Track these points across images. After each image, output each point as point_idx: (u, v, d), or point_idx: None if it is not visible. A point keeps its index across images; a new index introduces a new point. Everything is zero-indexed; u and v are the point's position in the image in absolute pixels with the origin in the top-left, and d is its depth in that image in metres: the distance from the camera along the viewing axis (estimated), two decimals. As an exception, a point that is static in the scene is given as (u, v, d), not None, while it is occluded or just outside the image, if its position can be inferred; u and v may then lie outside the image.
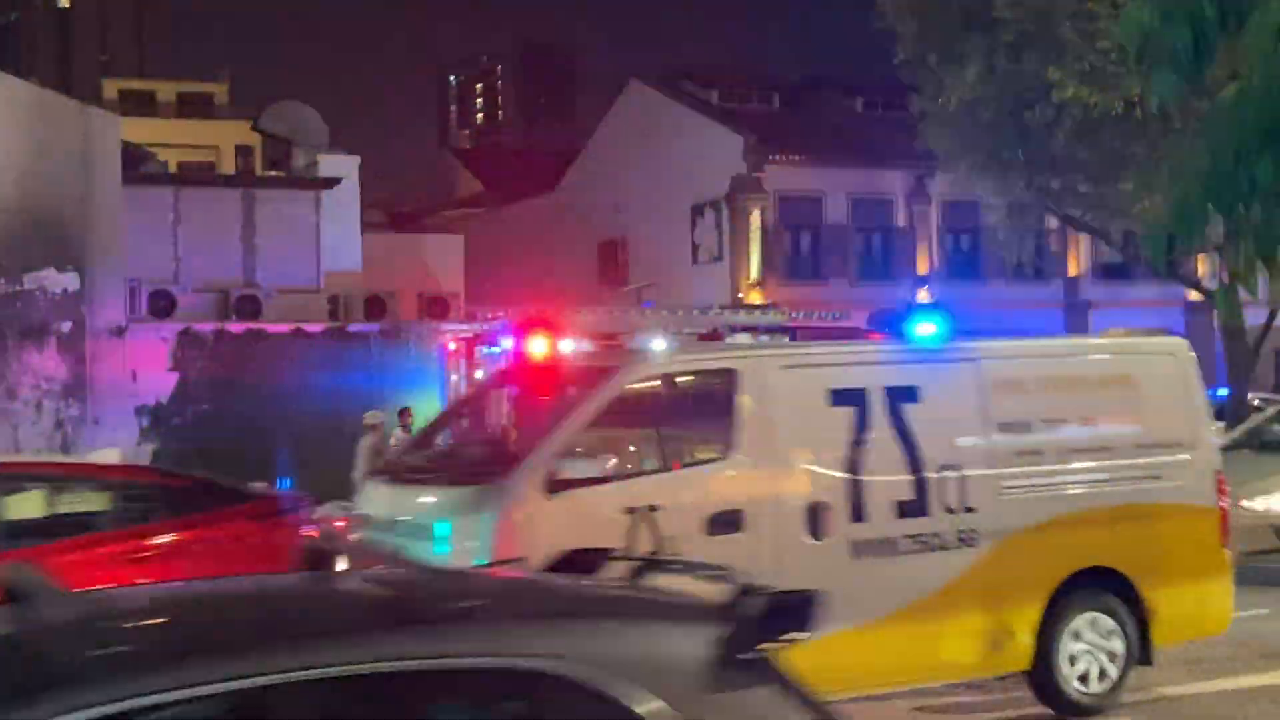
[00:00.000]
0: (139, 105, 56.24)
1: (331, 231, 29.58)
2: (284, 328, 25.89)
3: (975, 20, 22.83)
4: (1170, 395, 9.70)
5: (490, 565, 6.95)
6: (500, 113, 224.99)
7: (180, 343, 25.42)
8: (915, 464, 8.62)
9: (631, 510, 7.78)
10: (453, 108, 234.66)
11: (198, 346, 25.50)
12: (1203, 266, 29.92)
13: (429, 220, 48.69)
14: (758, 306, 31.27)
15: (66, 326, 24.53)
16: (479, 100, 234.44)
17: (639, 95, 41.84)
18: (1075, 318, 39.20)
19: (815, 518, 8.31)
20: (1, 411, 24.12)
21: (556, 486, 7.87)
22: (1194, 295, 29.69)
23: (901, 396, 8.75)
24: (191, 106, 58.17)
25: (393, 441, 21.06)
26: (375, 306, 27.90)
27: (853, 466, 8.45)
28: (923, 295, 37.00)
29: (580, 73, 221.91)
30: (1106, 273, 37.78)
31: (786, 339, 25.69)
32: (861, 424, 8.53)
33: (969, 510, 8.70)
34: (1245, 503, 13.60)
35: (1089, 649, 9.00)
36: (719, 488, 8.20)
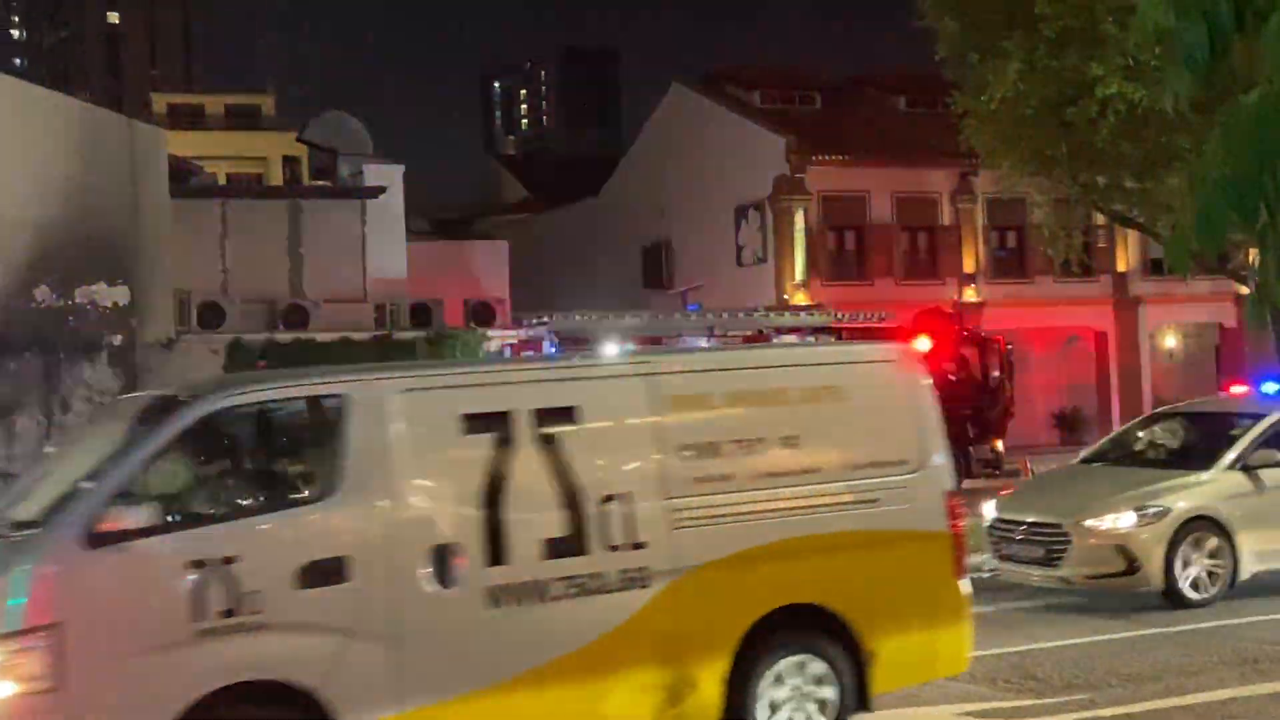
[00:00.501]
0: (187, 119, 56.90)
1: (377, 240, 29.81)
2: (331, 337, 26.13)
3: (1016, 17, 22.68)
4: (892, 408, 8.89)
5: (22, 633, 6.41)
6: (544, 118, 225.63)
7: (229, 354, 25.69)
8: (571, 496, 7.62)
9: (199, 564, 6.73)
10: (497, 114, 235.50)
11: (247, 357, 25.75)
12: (1254, 257, 29.59)
13: (474, 227, 48.91)
14: (803, 307, 31.23)
15: (117, 339, 24.87)
16: (523, 106, 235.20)
17: (681, 98, 41.89)
18: (1125, 314, 38.87)
19: (442, 562, 7.27)
20: (57, 424, 24.47)
21: (101, 538, 6.68)
22: (1244, 290, 29.39)
23: (556, 419, 7.76)
24: (239, 119, 58.76)
25: None
26: (421, 314, 28.09)
27: (491, 501, 7.45)
28: (969, 294, 36.79)
29: (623, 77, 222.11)
30: (1156, 268, 37.43)
31: (833, 340, 25.73)
32: (503, 452, 7.56)
33: (638, 546, 7.72)
34: (1089, 521, 13.06)
35: (794, 697, 8.06)
36: (316, 532, 7.13)
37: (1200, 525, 13.00)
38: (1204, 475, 13.46)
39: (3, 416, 23.88)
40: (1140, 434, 15.49)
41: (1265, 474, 13.34)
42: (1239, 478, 13.35)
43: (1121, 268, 38.64)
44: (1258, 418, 13.95)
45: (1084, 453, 16.44)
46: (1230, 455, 13.49)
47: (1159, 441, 14.98)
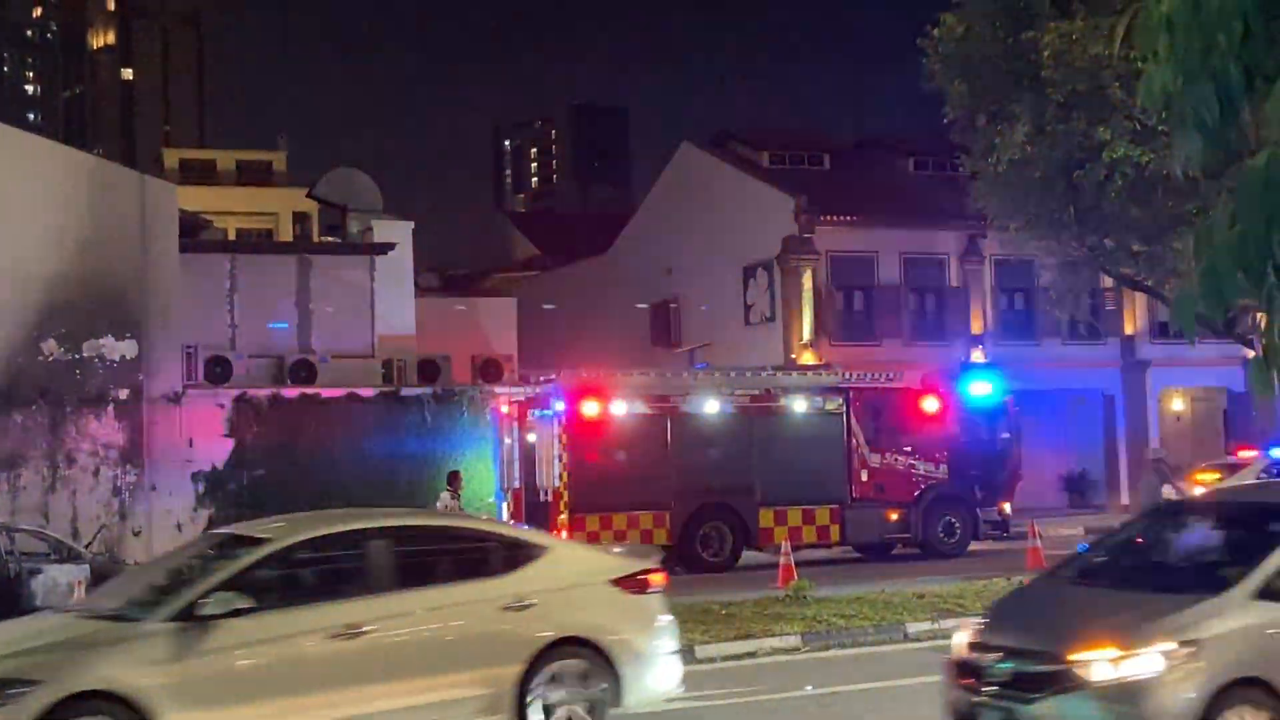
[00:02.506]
0: (199, 174, 57.26)
1: (385, 296, 29.88)
2: (338, 392, 26.14)
3: (1023, 80, 22.83)
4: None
5: None
6: (554, 176, 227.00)
7: (236, 409, 25.71)
8: None
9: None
10: (507, 171, 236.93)
11: (253, 412, 25.77)
12: (1261, 322, 29.55)
13: (483, 283, 49.07)
14: (811, 367, 31.21)
15: (124, 394, 24.89)
16: (533, 164, 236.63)
17: (690, 157, 42.09)
18: (1132, 377, 38.78)
19: None
20: (61, 478, 24.44)
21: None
22: (1251, 353, 29.35)
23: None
24: (250, 175, 59.13)
25: (440, 506, 21.10)
26: (429, 370, 28.10)
27: None
28: (976, 355, 36.76)
29: (633, 135, 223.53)
30: (1164, 331, 37.36)
31: (842, 400, 25.70)
32: None
33: None
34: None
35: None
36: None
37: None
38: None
39: (8, 469, 23.86)
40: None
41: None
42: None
43: (1129, 330, 38.59)
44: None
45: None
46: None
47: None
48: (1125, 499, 36.45)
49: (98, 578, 20.67)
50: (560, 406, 23.94)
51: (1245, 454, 29.19)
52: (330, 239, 32.86)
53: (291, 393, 26.20)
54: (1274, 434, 25.68)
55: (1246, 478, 26.97)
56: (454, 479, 21.74)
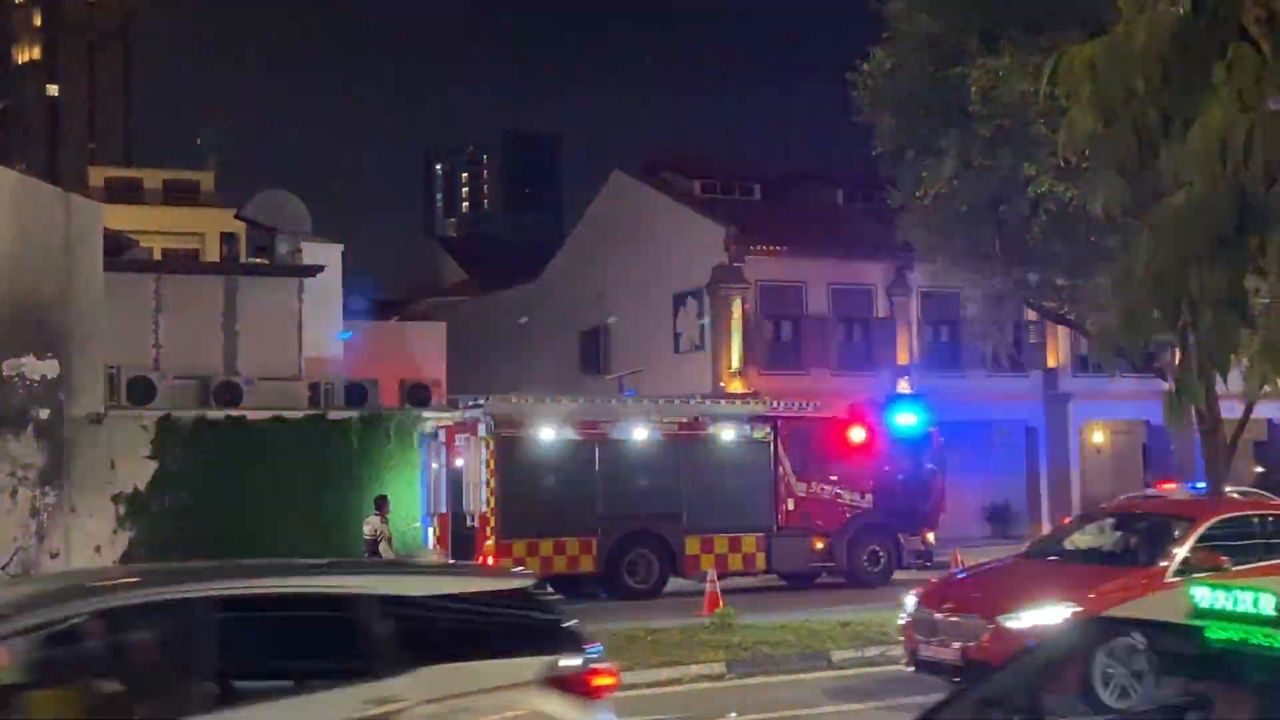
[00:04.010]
0: (125, 193, 56.51)
1: (313, 319, 29.66)
2: (264, 415, 25.84)
3: (951, 116, 23.16)
4: None
5: None
6: (485, 201, 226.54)
7: (159, 430, 25.32)
8: None
9: None
10: (438, 196, 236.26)
11: (176, 434, 25.39)
12: (1179, 358, 30.12)
13: (412, 308, 48.84)
14: (739, 396, 31.37)
15: (44, 414, 24.43)
16: (464, 189, 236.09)
17: (622, 185, 42.26)
18: (1055, 409, 39.36)
19: None
20: (-23, 498, 23.94)
21: None
22: (1168, 387, 29.93)
23: None
24: (177, 194, 58.45)
25: (367, 531, 20.94)
26: (356, 394, 27.88)
27: None
28: (903, 386, 37.14)
29: (565, 162, 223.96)
30: (1086, 364, 37.98)
31: (769, 429, 25.86)
32: None
33: None
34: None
35: None
36: None
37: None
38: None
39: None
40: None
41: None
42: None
43: (1052, 364, 39.18)
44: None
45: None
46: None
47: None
48: (1047, 529, 36.89)
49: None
50: (488, 432, 23.90)
51: (1166, 487, 29.72)
52: (258, 261, 32.54)
53: (216, 415, 25.88)
54: (1197, 471, 26.18)
55: (1164, 510, 27.44)
56: (382, 503, 21.58)
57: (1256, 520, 13.70)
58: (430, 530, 25.65)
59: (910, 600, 13.50)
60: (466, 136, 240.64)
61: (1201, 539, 12.75)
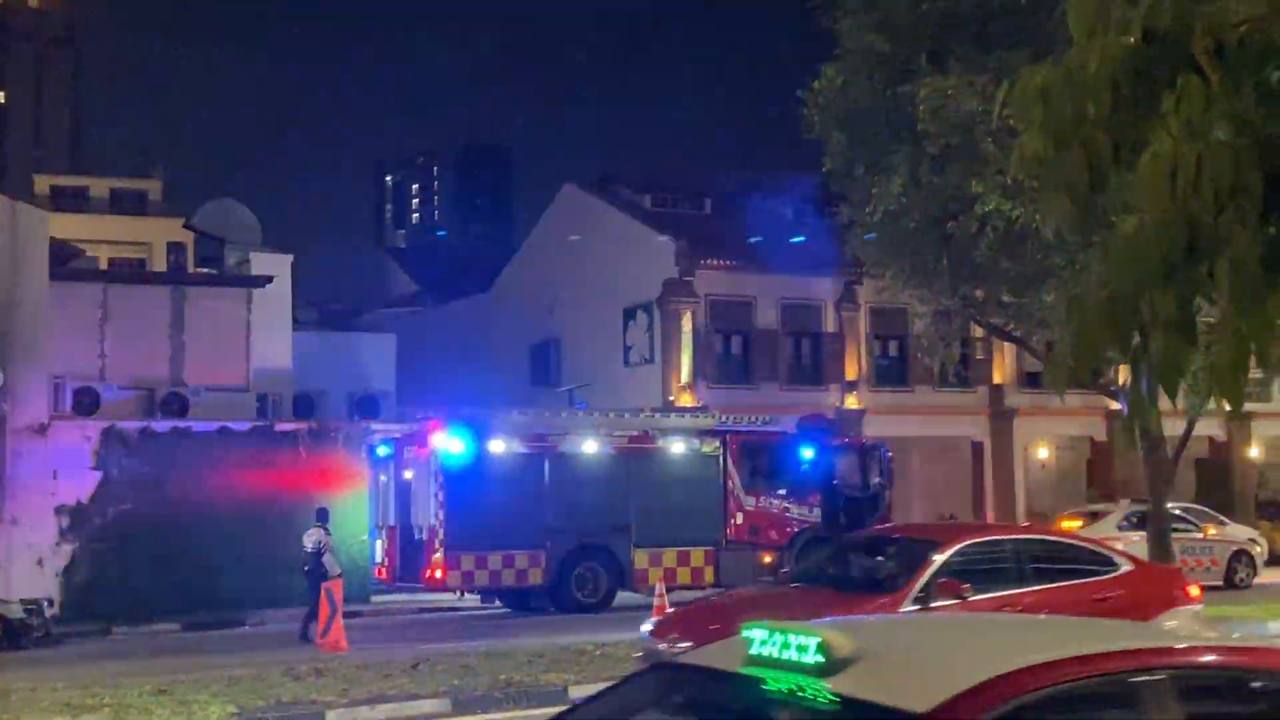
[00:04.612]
0: (71, 201, 55.94)
1: (262, 329, 29.47)
2: (210, 426, 25.65)
3: (901, 133, 23.35)
4: None
5: None
6: (436, 213, 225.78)
7: (103, 441, 25.08)
8: None
9: None
10: (388, 207, 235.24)
11: (121, 445, 25.16)
12: (1124, 376, 30.50)
13: (363, 319, 48.61)
14: (688, 409, 31.45)
15: (-14, 424, 24.17)
16: (415, 200, 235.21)
17: (573, 198, 42.30)
18: (1000, 425, 39.71)
19: None
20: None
21: None
22: (1115, 405, 30.29)
23: None
24: (124, 203, 57.89)
25: (308, 544, 20.80)
26: (304, 405, 27.74)
27: None
28: (851, 401, 37.36)
29: (517, 175, 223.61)
30: (1031, 381, 38.36)
31: (719, 443, 25.93)
32: None
33: None
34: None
35: None
36: None
37: None
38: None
39: None
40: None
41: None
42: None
43: (998, 379, 39.54)
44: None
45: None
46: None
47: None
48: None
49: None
50: (438, 444, 23.82)
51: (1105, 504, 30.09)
52: (206, 271, 32.30)
53: (162, 425, 25.66)
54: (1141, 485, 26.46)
55: (1107, 526, 27.81)
56: (323, 514, 21.42)
57: (1009, 546, 13.13)
58: (378, 543, 25.53)
59: (644, 629, 12.81)
60: (418, 148, 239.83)
61: (946, 565, 12.05)
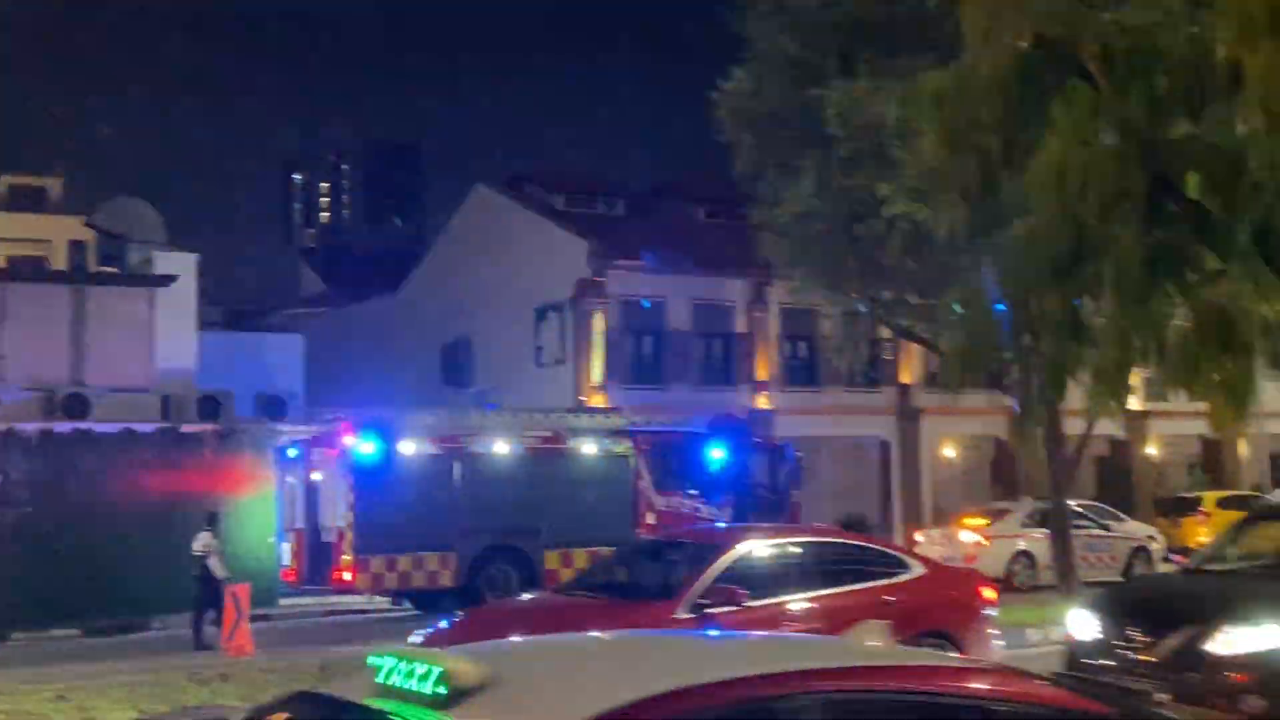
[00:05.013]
0: (-33, 197, 54.52)
1: (166, 329, 29.00)
2: (113, 428, 25.17)
3: (810, 136, 23.56)
4: None
5: None
6: (346, 212, 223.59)
7: (2, 444, 24.51)
8: None
9: None
10: (297, 206, 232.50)
11: (20, 447, 24.59)
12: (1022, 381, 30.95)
13: (269, 319, 48.02)
14: (600, 410, 31.47)
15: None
16: (324, 199, 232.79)
17: (485, 198, 42.14)
18: (907, 424, 40.21)
19: None
20: None
21: None
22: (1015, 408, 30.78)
23: None
24: (23, 200, 56.59)
25: (197, 548, 20.51)
26: (210, 406, 27.33)
27: None
28: (761, 400, 37.62)
29: (428, 175, 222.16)
30: (937, 381, 38.86)
31: (630, 444, 25.98)
32: None
33: None
34: None
35: None
36: None
37: None
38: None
39: None
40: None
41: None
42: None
43: (905, 379, 40.03)
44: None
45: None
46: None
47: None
48: (899, 542, 37.65)
49: None
50: (347, 445, 23.61)
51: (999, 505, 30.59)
52: (108, 269, 31.69)
53: (63, 427, 25.12)
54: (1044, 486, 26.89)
55: (1010, 523, 28.29)
56: (213, 518, 21.12)
57: (796, 550, 12.78)
58: (286, 545, 25.24)
59: (411, 639, 12.29)
60: (327, 146, 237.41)
61: (726, 571, 11.66)
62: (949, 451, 42.33)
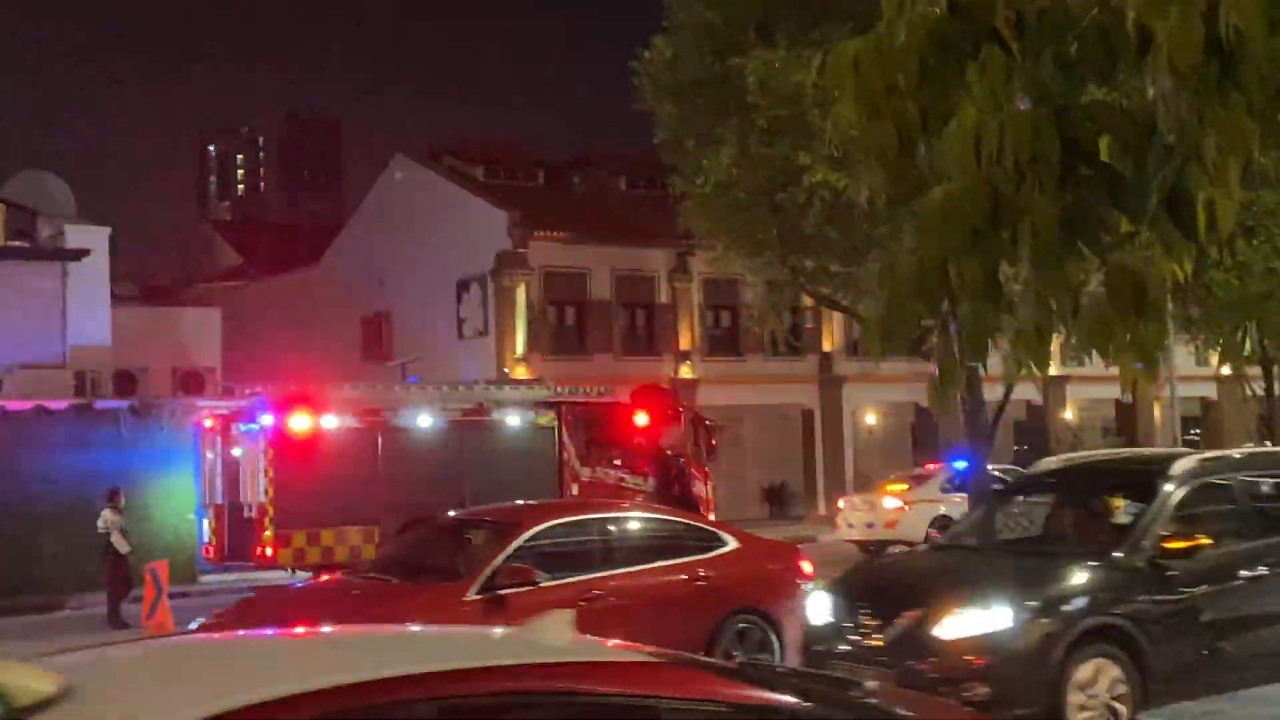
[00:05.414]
0: None
1: (79, 305, 28.51)
2: (24, 405, 24.70)
3: (730, 105, 23.56)
4: None
5: None
6: (262, 184, 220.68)
7: (-91, 421, 23.99)
8: None
9: None
10: (212, 178, 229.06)
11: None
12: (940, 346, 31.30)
13: (185, 293, 47.29)
14: (523, 381, 31.39)
15: None
16: (240, 171, 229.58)
17: (403, 170, 41.78)
18: (829, 392, 40.54)
19: None
20: None
21: None
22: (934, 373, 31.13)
23: None
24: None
25: (101, 524, 20.25)
26: (125, 382, 26.92)
27: None
28: (684, 370, 37.73)
29: (345, 146, 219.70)
30: (858, 349, 39.23)
31: (553, 414, 25.94)
32: None
33: None
34: None
35: None
36: None
37: None
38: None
39: None
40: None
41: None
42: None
43: (827, 347, 40.35)
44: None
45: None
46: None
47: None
48: (822, 509, 38.03)
49: None
50: (267, 420, 23.36)
51: (932, 466, 30.97)
52: (17, 244, 31.04)
53: (-24, 405, 24.64)
54: (955, 447, 27.27)
55: (931, 488, 28.65)
56: (115, 494, 20.81)
57: (599, 527, 12.39)
58: (205, 523, 24.96)
59: (193, 625, 12.01)
60: (243, 117, 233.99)
61: (521, 550, 11.29)
62: (870, 418, 42.77)
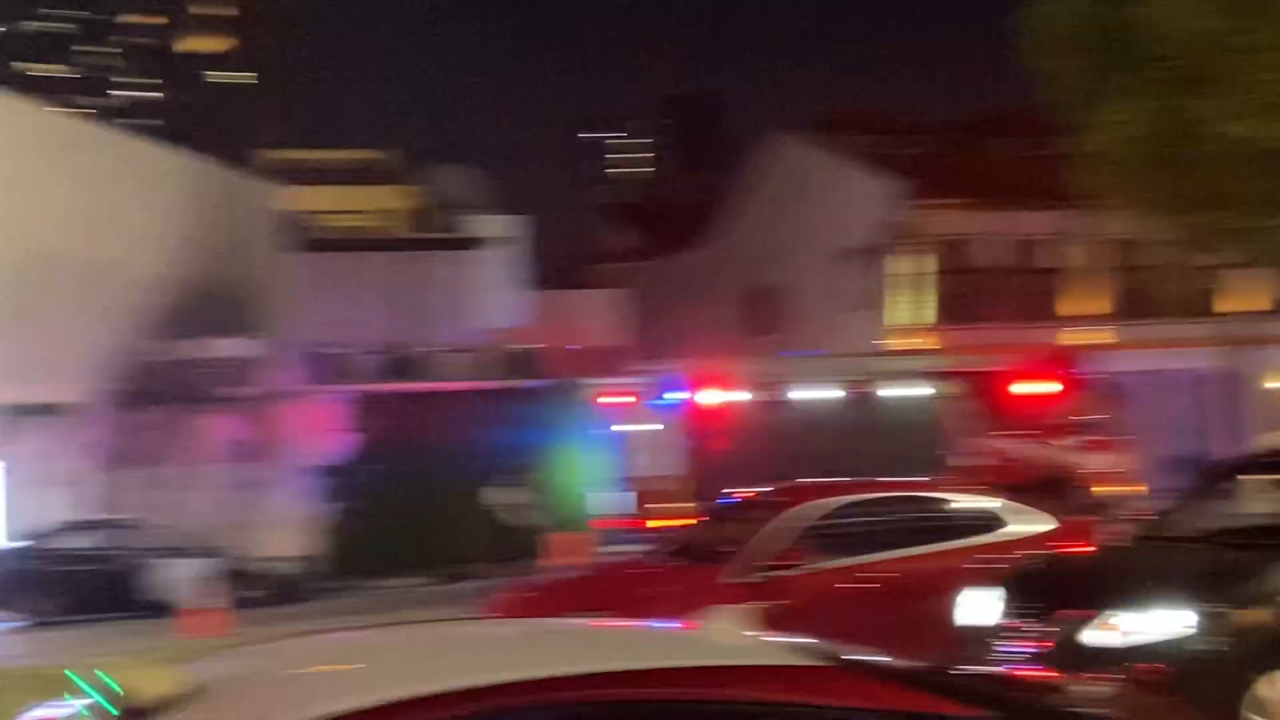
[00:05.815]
0: (306, 175, 58.13)
1: (490, 291, 30.29)
2: (453, 387, 26.50)
3: (1127, 57, 22.56)
4: None
5: None
6: (651, 166, 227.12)
7: (352, 404, 26.21)
8: None
9: None
10: (604, 163, 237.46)
11: (369, 407, 26.26)
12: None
13: (582, 276, 49.41)
14: (914, 353, 31.07)
15: (242, 391, 25.57)
16: (629, 155, 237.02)
17: (788, 144, 42.05)
18: (1238, 355, 38.10)
19: None
20: (183, 475, 25.19)
21: None
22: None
23: None
24: (358, 174, 59.88)
25: (509, 499, 21.34)
26: (537, 363, 28.42)
27: None
28: (1085, 336, 36.38)
29: (729, 122, 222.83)
30: (1269, 310, 36.71)
31: (953, 384, 25.43)
32: None
33: None
34: None
35: None
36: None
37: None
38: None
39: (147, 466, 24.61)
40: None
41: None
42: None
43: (1233, 309, 37.92)
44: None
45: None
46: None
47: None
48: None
49: (235, 575, 21.31)
50: (680, 396, 23.98)
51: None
52: (438, 235, 33.31)
53: (407, 388, 26.67)
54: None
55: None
56: (520, 471, 21.69)
57: (872, 506, 11.61)
58: (623, 497, 25.79)
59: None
60: (631, 102, 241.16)
61: (783, 531, 10.85)
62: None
